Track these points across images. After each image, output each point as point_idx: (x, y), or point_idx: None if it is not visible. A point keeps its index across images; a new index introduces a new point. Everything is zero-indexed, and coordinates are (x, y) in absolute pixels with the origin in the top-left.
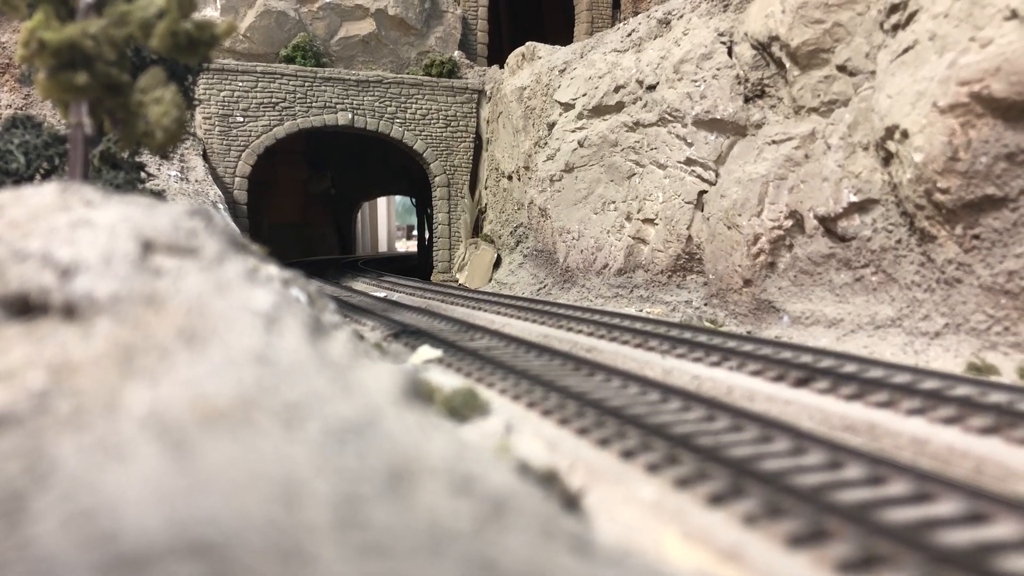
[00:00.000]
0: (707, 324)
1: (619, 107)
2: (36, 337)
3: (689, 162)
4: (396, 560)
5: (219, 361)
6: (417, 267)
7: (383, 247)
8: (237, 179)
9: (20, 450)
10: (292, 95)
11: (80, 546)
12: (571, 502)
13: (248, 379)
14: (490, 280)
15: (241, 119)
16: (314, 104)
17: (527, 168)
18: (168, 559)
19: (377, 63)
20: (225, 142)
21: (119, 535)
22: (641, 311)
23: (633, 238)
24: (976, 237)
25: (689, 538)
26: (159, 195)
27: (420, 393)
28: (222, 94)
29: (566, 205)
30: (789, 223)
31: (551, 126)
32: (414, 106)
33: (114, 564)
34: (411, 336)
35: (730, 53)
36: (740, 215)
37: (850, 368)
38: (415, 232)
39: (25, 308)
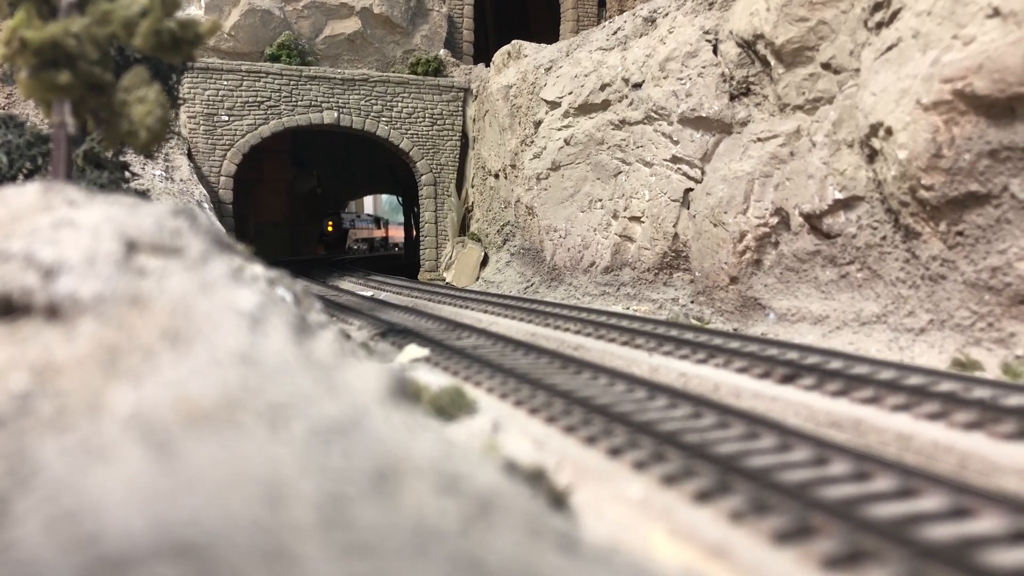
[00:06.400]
0: (694, 322)
1: (605, 105)
2: (19, 338)
3: (675, 160)
4: (381, 560)
5: (203, 361)
6: (404, 266)
7: None
8: (222, 178)
9: (2, 452)
10: (277, 94)
11: (63, 548)
12: (558, 500)
13: (233, 379)
14: (477, 279)
15: (226, 118)
16: (299, 103)
17: (514, 166)
18: (152, 560)
19: (363, 61)
20: (210, 141)
21: (102, 537)
22: (628, 309)
23: (620, 236)
24: (960, 234)
25: (676, 535)
26: (143, 195)
27: (407, 392)
28: (207, 93)
29: (553, 203)
30: (775, 220)
31: (537, 124)
32: (400, 104)
33: (97, 566)
34: (398, 335)
35: (715, 51)
36: (726, 213)
37: (835, 365)
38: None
39: (7, 309)
